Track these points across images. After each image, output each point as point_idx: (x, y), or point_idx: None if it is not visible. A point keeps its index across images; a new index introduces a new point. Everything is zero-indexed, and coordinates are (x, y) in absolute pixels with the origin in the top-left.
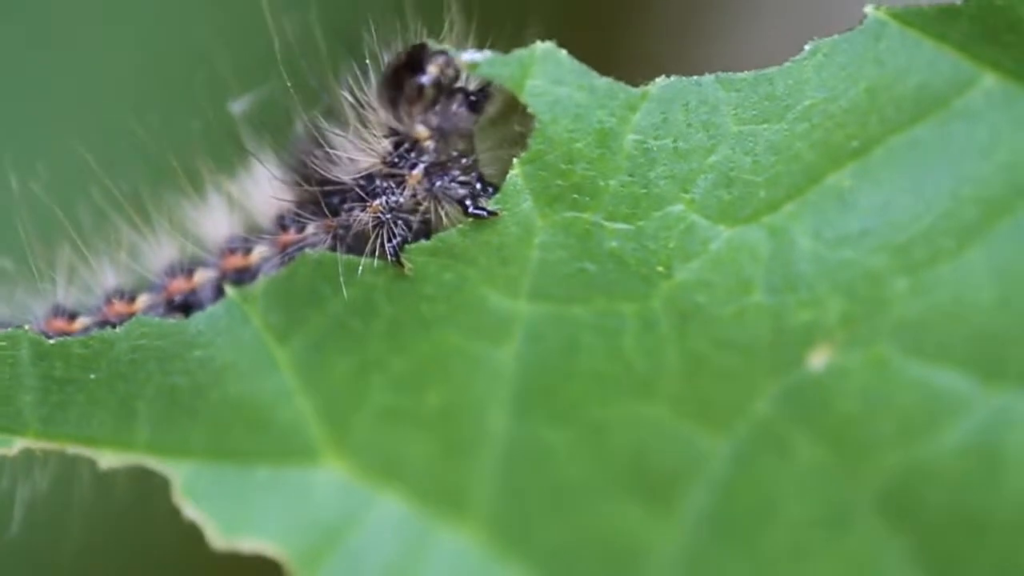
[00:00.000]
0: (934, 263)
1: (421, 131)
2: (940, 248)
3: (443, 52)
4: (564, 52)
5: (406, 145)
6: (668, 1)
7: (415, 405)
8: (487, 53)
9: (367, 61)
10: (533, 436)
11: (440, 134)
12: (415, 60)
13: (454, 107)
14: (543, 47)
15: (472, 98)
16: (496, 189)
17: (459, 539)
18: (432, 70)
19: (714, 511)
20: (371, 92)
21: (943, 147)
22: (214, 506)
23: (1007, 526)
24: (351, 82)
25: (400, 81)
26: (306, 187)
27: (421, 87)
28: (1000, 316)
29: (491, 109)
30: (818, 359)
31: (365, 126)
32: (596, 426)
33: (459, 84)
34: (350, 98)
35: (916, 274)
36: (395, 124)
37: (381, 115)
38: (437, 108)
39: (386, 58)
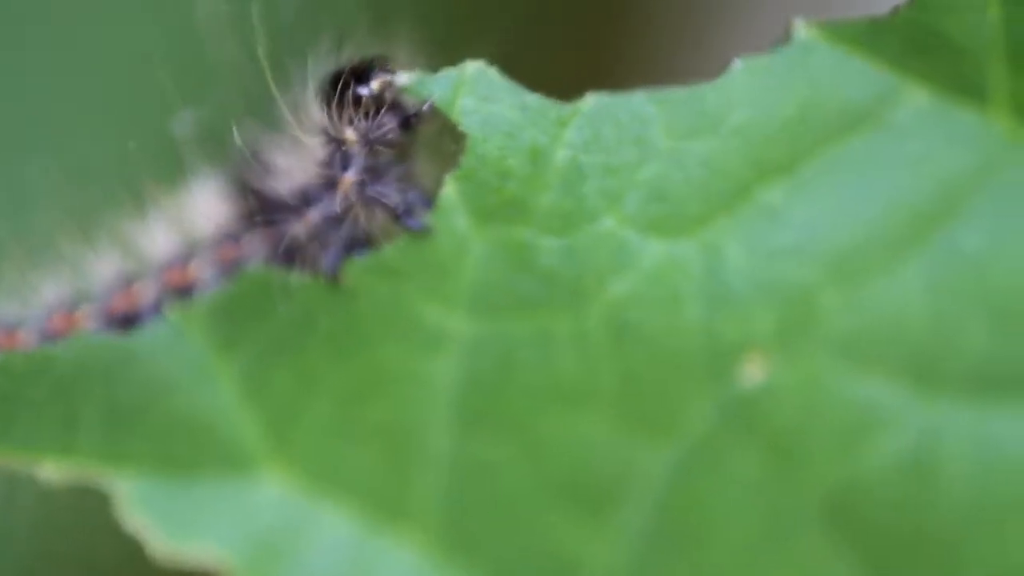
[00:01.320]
0: (866, 277)
1: (349, 134)
2: (872, 262)
3: (390, 71)
4: (494, 70)
5: (338, 151)
6: (662, 6)
7: (357, 419)
8: (416, 73)
9: (311, 67)
10: (474, 450)
11: (367, 142)
12: (361, 71)
13: (386, 121)
14: (474, 65)
15: (407, 117)
16: (431, 204)
17: (404, 550)
18: (374, 85)
19: (654, 525)
20: (308, 94)
21: (874, 162)
22: (158, 517)
23: (945, 536)
24: (292, 86)
25: (340, 86)
26: (243, 200)
27: (359, 97)
28: (932, 330)
29: (425, 130)
30: (752, 373)
31: (300, 131)
32: (534, 440)
33: (397, 102)
34: (289, 102)
35: (848, 288)
36: (327, 126)
37: (315, 117)
38: (370, 119)
39: (333, 63)
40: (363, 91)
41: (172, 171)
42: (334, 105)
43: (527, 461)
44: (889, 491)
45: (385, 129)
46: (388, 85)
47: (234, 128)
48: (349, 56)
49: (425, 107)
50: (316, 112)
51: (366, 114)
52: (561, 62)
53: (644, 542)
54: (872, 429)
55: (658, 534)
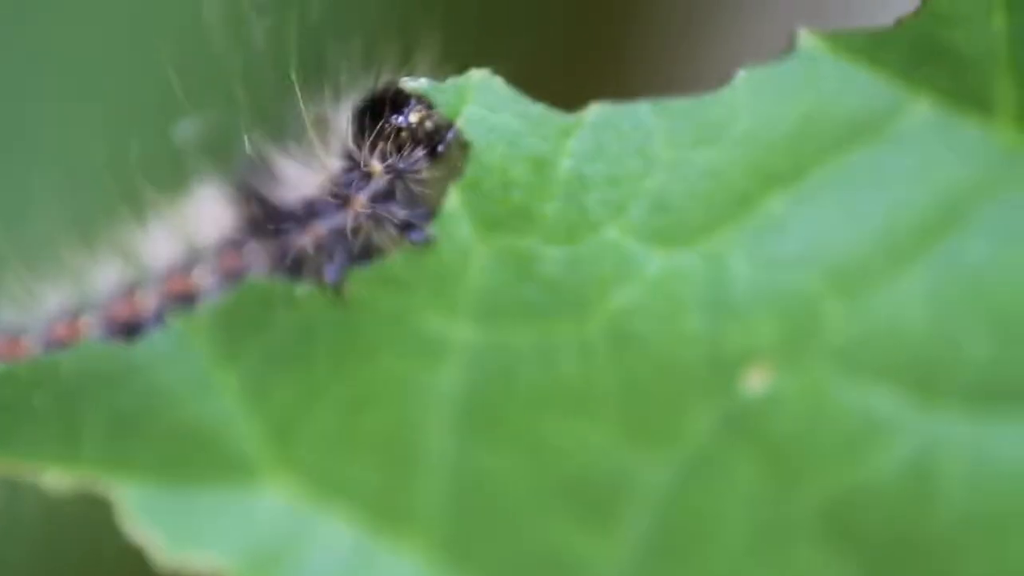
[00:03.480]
0: (869, 288)
1: (376, 167)
2: (875, 273)
3: (427, 102)
4: (499, 79)
5: (356, 172)
6: (668, 6)
7: (359, 428)
8: (424, 80)
9: (333, 79)
10: (476, 458)
11: (395, 175)
12: (398, 99)
13: (417, 154)
14: (479, 74)
15: (436, 149)
16: (433, 212)
17: (406, 558)
18: (413, 118)
19: (655, 532)
20: (334, 112)
21: (877, 173)
22: (160, 526)
23: (942, 546)
24: (310, 100)
25: (376, 113)
26: (248, 208)
27: (398, 129)
28: (933, 341)
29: (451, 161)
30: (754, 383)
31: (318, 145)
32: (536, 448)
33: (427, 132)
34: (309, 115)
35: (851, 299)
36: (352, 149)
37: (340, 137)
38: (400, 151)
39: (361, 82)
40: (401, 122)
41: (175, 178)
42: (366, 133)
43: (529, 468)
44: (888, 500)
45: (414, 162)
46: (427, 118)
47: (243, 135)
48: (380, 81)
49: (449, 136)
50: (342, 133)
51: (394, 142)
52: (564, 69)
53: (645, 549)
54: (872, 439)
55: (659, 541)
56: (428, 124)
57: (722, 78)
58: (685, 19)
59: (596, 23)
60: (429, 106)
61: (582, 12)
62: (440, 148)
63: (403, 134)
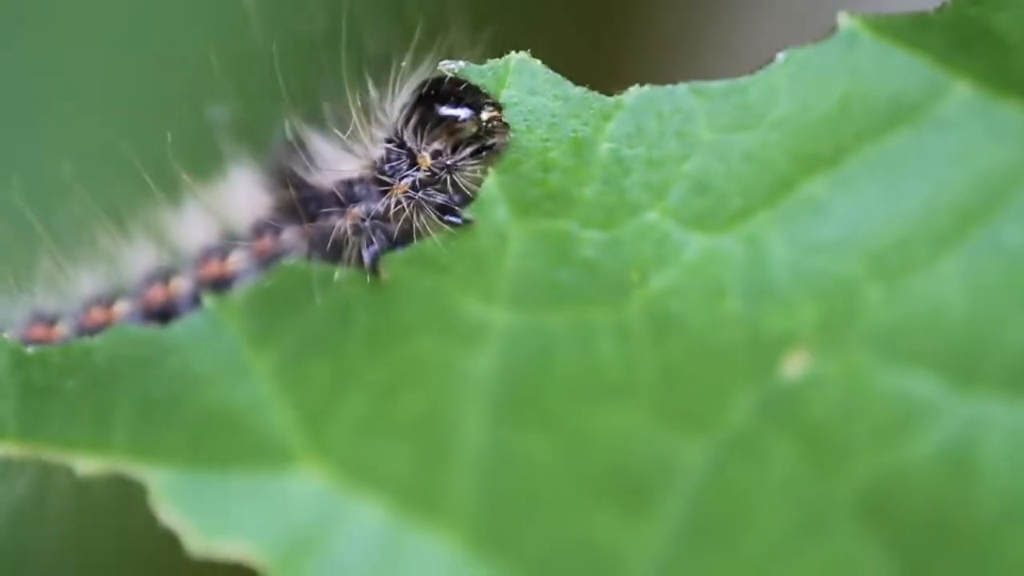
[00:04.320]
0: (908, 272)
1: (426, 158)
2: (914, 257)
3: (494, 102)
4: (538, 62)
5: (402, 159)
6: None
7: (392, 413)
8: (462, 63)
9: (378, 65)
10: (510, 443)
11: (444, 169)
12: (461, 94)
13: (468, 151)
14: (518, 57)
15: (486, 149)
16: (472, 197)
17: (438, 545)
18: (483, 115)
19: (692, 517)
20: (388, 100)
21: (917, 156)
22: (192, 511)
23: (981, 530)
24: (355, 84)
25: (437, 106)
26: (284, 192)
27: (458, 126)
28: (973, 324)
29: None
30: (794, 366)
31: (363, 130)
32: (573, 433)
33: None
34: (354, 100)
35: (890, 282)
36: (405, 138)
37: (391, 125)
38: (456, 145)
39: (411, 70)
40: (464, 118)
41: (210, 161)
42: (423, 123)
43: (565, 454)
44: (926, 486)
45: (463, 159)
46: (492, 117)
47: (280, 118)
48: (435, 70)
49: (504, 140)
50: (391, 119)
51: (457, 142)
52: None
53: (682, 534)
54: (911, 423)
55: (696, 526)
56: (493, 122)
57: (736, 68)
58: (684, 20)
59: (595, 23)
60: (497, 106)
61: (581, 12)
62: (493, 149)
63: (461, 132)
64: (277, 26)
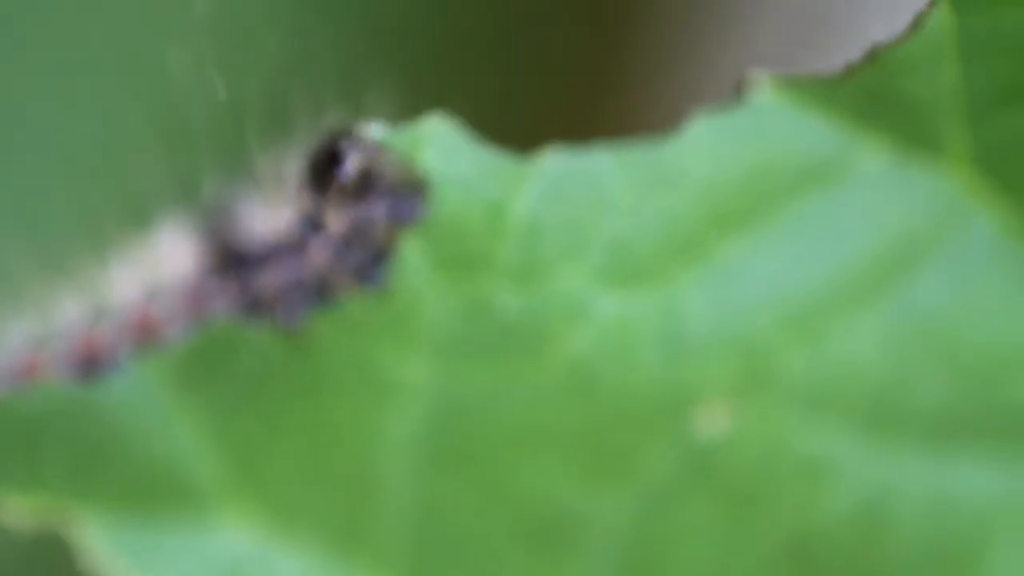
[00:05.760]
0: (824, 330)
1: (329, 217)
2: (830, 315)
3: (369, 145)
4: (455, 125)
5: (317, 221)
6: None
7: (320, 467)
8: (376, 127)
9: (290, 125)
10: (437, 496)
11: (354, 229)
12: (335, 150)
13: (376, 207)
14: (435, 120)
15: (399, 200)
16: (389, 258)
17: None
18: (351, 166)
19: (616, 570)
20: (289, 160)
21: (830, 217)
22: (119, 557)
23: None
24: (267, 146)
25: (321, 168)
26: (210, 249)
27: (342, 183)
28: (889, 381)
29: (424, 211)
30: (712, 423)
31: (272, 193)
32: (495, 486)
33: (385, 181)
34: (264, 162)
35: (807, 341)
36: (308, 204)
37: (293, 185)
38: (358, 203)
39: (317, 129)
40: (343, 175)
41: (139, 217)
42: (318, 188)
43: (489, 506)
44: (845, 540)
45: (372, 218)
46: (368, 160)
47: (205, 177)
48: (333, 128)
49: (410, 191)
50: (295, 182)
51: (351, 197)
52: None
53: None
54: (828, 479)
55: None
56: (384, 172)
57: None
58: (676, 40)
59: (595, 24)
60: (378, 154)
61: (574, 28)
62: (409, 210)
63: (349, 187)
64: (205, 87)
